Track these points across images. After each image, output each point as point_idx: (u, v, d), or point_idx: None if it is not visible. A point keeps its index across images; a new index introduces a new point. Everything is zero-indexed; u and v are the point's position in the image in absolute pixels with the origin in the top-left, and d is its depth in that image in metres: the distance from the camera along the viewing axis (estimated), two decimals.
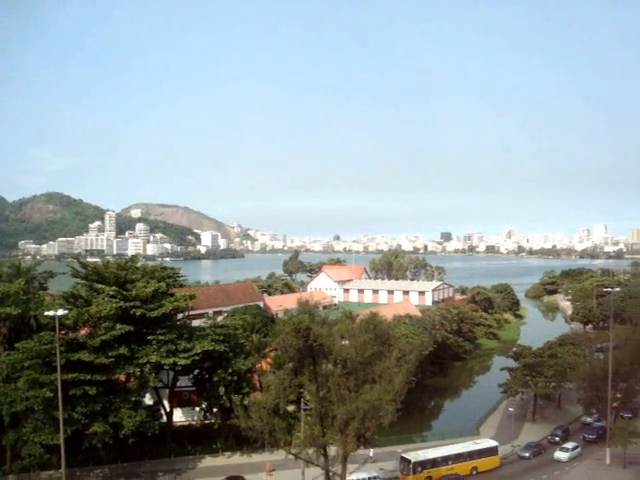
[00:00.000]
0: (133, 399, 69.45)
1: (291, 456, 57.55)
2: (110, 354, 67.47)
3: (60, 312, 58.40)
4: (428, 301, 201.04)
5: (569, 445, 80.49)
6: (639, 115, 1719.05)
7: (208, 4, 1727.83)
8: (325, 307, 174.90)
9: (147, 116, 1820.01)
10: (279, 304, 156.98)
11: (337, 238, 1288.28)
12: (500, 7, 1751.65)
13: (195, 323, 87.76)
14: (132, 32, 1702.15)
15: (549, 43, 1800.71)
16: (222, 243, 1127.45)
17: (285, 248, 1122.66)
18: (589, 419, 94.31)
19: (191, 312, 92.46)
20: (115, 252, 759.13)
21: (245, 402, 67.72)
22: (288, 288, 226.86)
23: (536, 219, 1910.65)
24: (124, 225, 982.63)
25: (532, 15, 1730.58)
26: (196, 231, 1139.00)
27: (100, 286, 75.97)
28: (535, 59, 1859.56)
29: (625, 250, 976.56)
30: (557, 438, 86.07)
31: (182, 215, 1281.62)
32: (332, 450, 57.82)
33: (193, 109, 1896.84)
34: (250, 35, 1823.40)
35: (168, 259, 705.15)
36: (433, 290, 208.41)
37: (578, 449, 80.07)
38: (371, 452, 77.35)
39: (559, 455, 78.50)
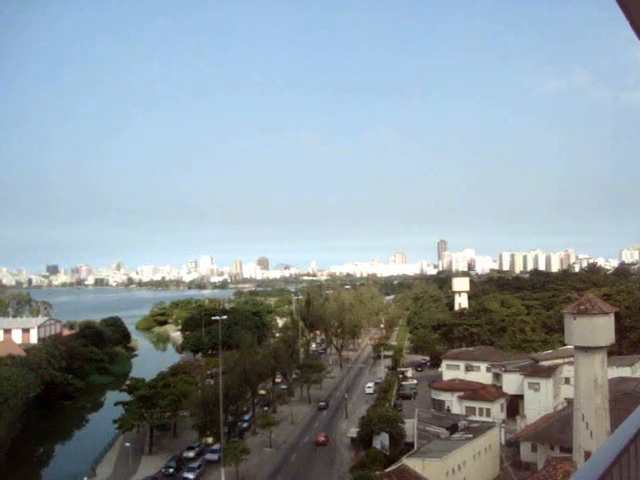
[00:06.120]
0: None
1: None
2: None
3: None
4: (33, 339, 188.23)
5: None
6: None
7: None
8: None
9: None
10: None
11: None
12: None
13: None
14: None
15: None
16: None
17: None
18: (191, 453, 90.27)
19: None
20: None
21: None
22: None
23: (145, 251, 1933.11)
24: None
25: None
26: None
27: None
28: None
29: (229, 280, 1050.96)
30: (171, 470, 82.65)
31: None
32: None
33: None
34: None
35: None
36: (39, 327, 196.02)
37: None
38: None
39: None
